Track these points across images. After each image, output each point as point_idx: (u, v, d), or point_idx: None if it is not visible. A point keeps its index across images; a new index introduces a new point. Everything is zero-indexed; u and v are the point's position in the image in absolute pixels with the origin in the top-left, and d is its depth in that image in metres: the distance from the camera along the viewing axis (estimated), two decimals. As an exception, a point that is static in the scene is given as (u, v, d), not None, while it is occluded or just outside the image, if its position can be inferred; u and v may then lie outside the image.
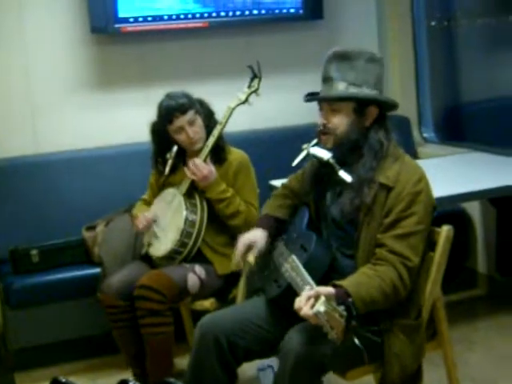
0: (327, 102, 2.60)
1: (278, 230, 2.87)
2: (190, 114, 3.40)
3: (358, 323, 2.37)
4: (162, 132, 3.47)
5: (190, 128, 3.40)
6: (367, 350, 2.53)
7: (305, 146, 2.71)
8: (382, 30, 5.19)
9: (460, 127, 5.49)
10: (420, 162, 4.67)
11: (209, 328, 2.70)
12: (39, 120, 4.42)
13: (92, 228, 3.99)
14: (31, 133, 4.41)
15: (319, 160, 2.64)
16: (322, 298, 2.24)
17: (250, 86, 3.42)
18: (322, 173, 2.68)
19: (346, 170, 2.58)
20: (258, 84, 3.40)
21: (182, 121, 3.39)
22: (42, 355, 4.11)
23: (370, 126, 2.60)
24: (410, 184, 2.52)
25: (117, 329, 3.39)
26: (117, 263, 3.64)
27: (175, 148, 3.47)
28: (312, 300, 2.28)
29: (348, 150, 2.60)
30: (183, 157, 3.53)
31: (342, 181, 2.58)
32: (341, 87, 2.56)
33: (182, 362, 3.74)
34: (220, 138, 3.43)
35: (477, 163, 4.42)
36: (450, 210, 4.57)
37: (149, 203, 3.64)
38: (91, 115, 4.53)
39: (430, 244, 2.78)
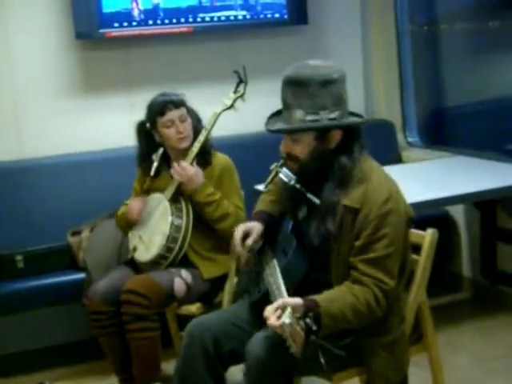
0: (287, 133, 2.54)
1: (272, 224, 2.82)
2: (183, 111, 3.43)
3: (318, 338, 2.29)
4: (149, 132, 3.47)
5: (180, 124, 3.41)
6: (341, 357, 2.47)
7: (273, 166, 2.64)
8: (365, 34, 5.21)
9: (444, 131, 5.52)
10: (405, 166, 4.77)
11: (196, 333, 2.70)
12: (24, 125, 4.41)
13: (77, 233, 3.98)
14: (16, 138, 4.39)
15: (288, 184, 2.59)
16: (289, 309, 2.24)
17: (235, 91, 3.41)
18: (293, 191, 2.62)
19: (313, 194, 2.53)
20: (244, 89, 3.40)
21: (173, 114, 3.40)
22: (28, 361, 4.09)
23: (335, 150, 2.50)
24: (377, 205, 2.43)
25: (102, 335, 3.37)
26: (102, 269, 3.64)
27: (161, 150, 3.47)
28: (279, 311, 2.26)
29: (313, 176, 2.54)
30: (168, 162, 3.52)
31: (311, 201, 2.54)
32: (298, 115, 2.45)
33: (169, 366, 3.74)
34: (206, 142, 3.43)
35: (461, 167, 4.45)
36: (435, 214, 4.59)
37: None
38: (76, 120, 4.52)
39: (414, 247, 2.79)
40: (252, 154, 4.44)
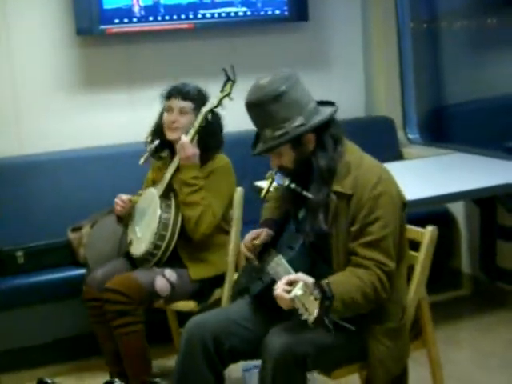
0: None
1: (279, 230, 2.88)
2: (187, 105, 3.42)
3: (331, 303, 2.35)
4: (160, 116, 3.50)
5: (178, 114, 3.41)
6: (349, 344, 2.56)
7: (269, 174, 2.72)
8: (366, 31, 5.21)
9: (444, 128, 5.52)
10: (405, 163, 4.77)
11: (195, 331, 2.71)
12: (24, 121, 4.42)
13: (77, 229, 3.99)
14: (16, 134, 4.40)
15: (283, 186, 2.67)
16: (300, 283, 2.31)
17: (222, 90, 3.37)
18: (290, 193, 2.68)
19: (308, 191, 2.59)
20: (231, 88, 3.34)
21: (176, 103, 3.41)
22: (28, 357, 4.09)
23: (314, 150, 2.58)
24: (369, 188, 2.51)
25: (97, 323, 3.39)
26: (102, 264, 3.63)
27: (157, 142, 3.49)
28: (288, 287, 2.35)
29: (304, 176, 2.60)
30: (172, 155, 3.53)
31: (308, 199, 2.60)
32: (268, 134, 2.55)
33: (168, 363, 3.76)
34: (208, 143, 3.44)
35: (461, 164, 4.45)
36: (434, 211, 4.60)
37: None
38: (76, 116, 4.52)
39: (414, 244, 2.80)
40: (251, 151, 4.44)
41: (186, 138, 3.35)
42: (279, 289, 2.40)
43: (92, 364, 3.90)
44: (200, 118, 3.36)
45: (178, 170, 3.40)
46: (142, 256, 3.40)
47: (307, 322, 2.27)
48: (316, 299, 2.27)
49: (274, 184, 2.75)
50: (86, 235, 3.91)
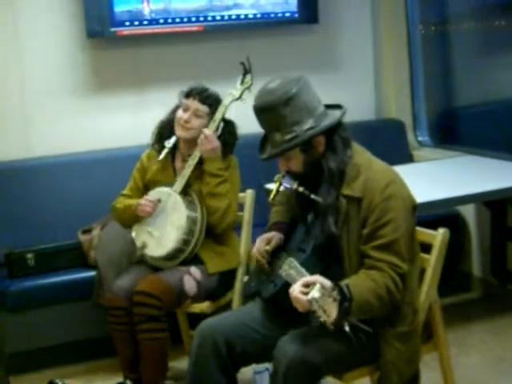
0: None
1: (289, 232, 2.87)
2: (204, 109, 3.43)
3: (350, 305, 2.33)
4: (173, 114, 3.51)
5: (192, 115, 3.42)
6: (362, 350, 2.55)
7: (277, 177, 2.71)
8: (376, 34, 5.21)
9: (455, 131, 5.51)
10: (415, 166, 4.76)
11: (207, 333, 2.71)
12: (34, 124, 4.42)
13: (88, 231, 3.99)
14: (26, 137, 4.41)
15: (291, 189, 2.67)
16: (318, 285, 2.30)
17: (243, 83, 3.42)
18: (298, 196, 2.69)
19: (316, 195, 2.59)
20: (251, 79, 3.40)
21: (193, 104, 3.42)
22: (38, 358, 4.11)
23: (324, 152, 2.58)
24: (379, 191, 2.51)
25: (118, 331, 3.37)
26: (112, 267, 3.65)
27: (174, 138, 3.49)
28: (305, 289, 2.34)
29: (313, 180, 2.60)
30: (173, 156, 3.55)
31: (317, 202, 2.59)
32: (278, 138, 2.55)
33: (179, 365, 3.76)
34: (228, 136, 3.47)
35: (471, 166, 4.44)
36: (445, 213, 4.59)
37: (130, 198, 3.58)
38: (86, 119, 4.53)
39: (425, 247, 2.79)
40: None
41: (209, 131, 3.36)
42: (296, 291, 2.39)
43: (102, 366, 3.91)
44: (222, 110, 3.40)
45: (197, 165, 3.42)
46: (170, 253, 3.39)
47: (325, 324, 2.26)
48: (335, 300, 2.25)
49: (282, 188, 2.74)
50: (96, 237, 3.92)
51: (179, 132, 3.45)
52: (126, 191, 3.61)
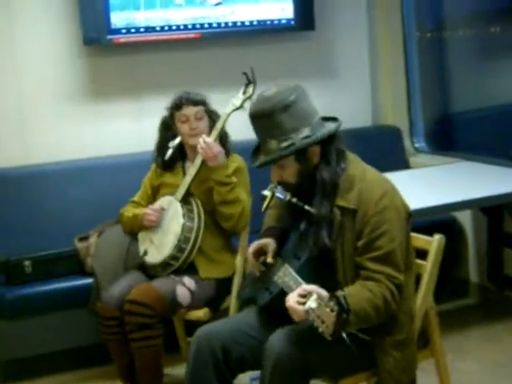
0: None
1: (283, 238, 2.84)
2: (200, 109, 3.47)
3: (348, 316, 2.32)
4: (169, 122, 3.53)
5: (195, 121, 3.46)
6: (358, 356, 2.52)
7: (270, 187, 2.68)
8: (372, 41, 5.22)
9: (451, 137, 5.52)
10: (411, 172, 4.77)
11: (204, 340, 2.70)
12: (32, 130, 4.43)
13: (85, 239, 3.98)
14: (23, 143, 4.41)
15: (284, 200, 2.65)
16: (314, 295, 2.28)
17: (245, 92, 3.44)
18: (291, 207, 2.67)
19: (310, 205, 2.58)
20: (253, 90, 3.41)
21: (190, 110, 3.45)
22: (35, 366, 4.10)
23: (318, 163, 2.57)
24: (373, 203, 2.50)
25: (111, 341, 3.37)
26: (109, 274, 3.64)
27: (178, 139, 3.51)
28: (301, 299, 2.33)
29: (306, 191, 2.59)
30: (183, 158, 3.57)
31: (310, 212, 2.59)
32: (273, 146, 2.53)
33: (176, 372, 3.75)
34: (224, 142, 3.49)
35: (468, 173, 4.45)
36: (442, 219, 4.59)
37: (139, 205, 3.63)
38: (84, 126, 4.54)
39: (421, 253, 2.79)
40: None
41: (209, 138, 3.38)
42: (291, 300, 2.37)
43: (99, 373, 3.90)
44: (223, 118, 3.44)
45: (198, 173, 3.43)
46: (164, 261, 3.40)
47: (323, 334, 2.24)
48: (332, 311, 2.23)
49: (277, 195, 2.69)
50: (93, 245, 3.91)
51: (192, 141, 3.47)
52: (136, 198, 3.66)
